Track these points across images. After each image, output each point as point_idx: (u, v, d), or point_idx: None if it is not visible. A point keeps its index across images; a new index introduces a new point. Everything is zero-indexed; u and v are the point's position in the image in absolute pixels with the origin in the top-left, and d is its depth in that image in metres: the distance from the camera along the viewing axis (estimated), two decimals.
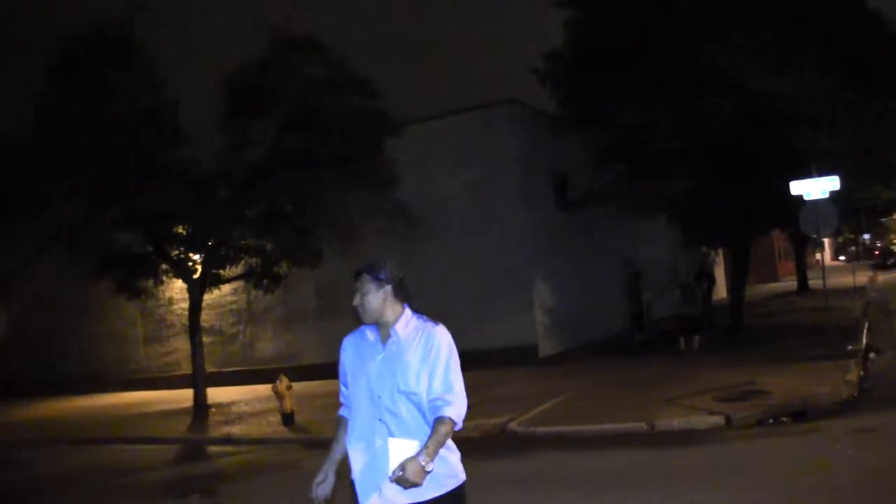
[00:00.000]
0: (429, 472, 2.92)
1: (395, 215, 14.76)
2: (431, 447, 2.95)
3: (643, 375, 13.83)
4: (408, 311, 3.20)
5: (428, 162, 17.43)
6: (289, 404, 12.78)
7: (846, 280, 38.71)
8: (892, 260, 50.01)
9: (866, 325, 17.67)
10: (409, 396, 3.05)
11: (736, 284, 19.11)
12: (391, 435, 3.04)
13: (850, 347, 14.05)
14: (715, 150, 15.53)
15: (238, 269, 16.32)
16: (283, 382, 12.71)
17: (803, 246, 34.72)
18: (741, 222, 16.96)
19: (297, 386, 13.51)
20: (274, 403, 13.66)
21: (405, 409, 3.05)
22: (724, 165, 15.68)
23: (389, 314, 3.15)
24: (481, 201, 17.58)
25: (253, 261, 15.98)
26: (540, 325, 17.62)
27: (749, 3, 14.88)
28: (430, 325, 3.18)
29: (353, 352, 3.27)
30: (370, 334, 3.20)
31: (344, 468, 3.26)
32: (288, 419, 12.76)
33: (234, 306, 21.17)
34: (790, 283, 36.06)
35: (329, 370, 20.15)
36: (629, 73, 15.43)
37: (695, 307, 17.20)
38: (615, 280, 21.18)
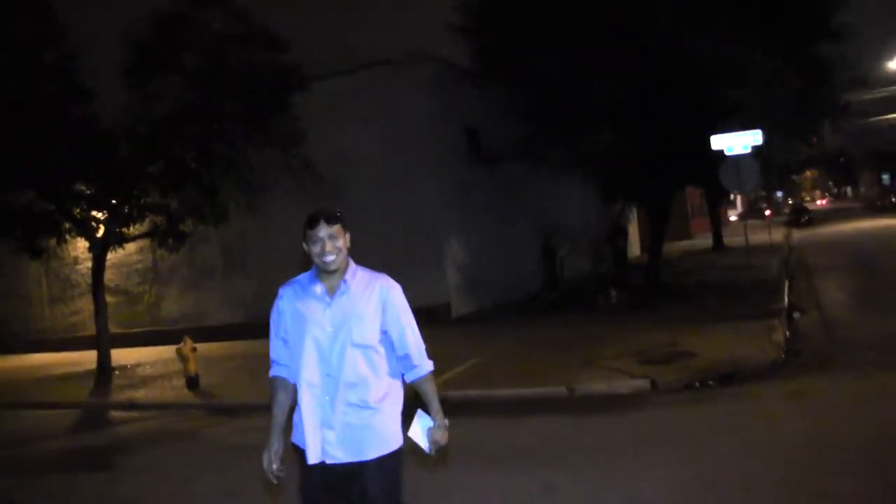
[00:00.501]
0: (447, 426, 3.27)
1: (303, 172, 14.47)
2: (437, 406, 3.26)
3: (561, 336, 13.47)
4: (352, 262, 3.19)
5: (339, 118, 17.11)
6: (193, 367, 12.49)
7: (762, 237, 40.03)
8: (806, 217, 51.48)
9: (787, 283, 17.70)
10: (364, 350, 3.06)
11: (653, 242, 18.86)
12: (343, 389, 3.04)
13: (773, 307, 14.00)
14: (636, 104, 15.23)
15: (142, 228, 15.68)
16: (187, 345, 12.45)
17: (718, 203, 35.18)
18: (661, 178, 16.80)
19: (203, 347, 13.35)
20: (178, 366, 13.38)
21: (360, 363, 3.05)
22: (644, 120, 15.39)
23: (343, 263, 3.12)
24: (393, 158, 17.28)
25: (158, 219, 15.40)
26: (453, 283, 17.41)
27: None
28: (379, 276, 3.21)
29: (294, 304, 3.15)
30: (317, 286, 3.12)
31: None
32: (192, 382, 12.49)
33: (139, 266, 20.83)
34: (704, 241, 36.54)
35: (236, 331, 18.94)
36: (547, 25, 14.99)
37: (608, 264, 17.12)
38: (531, 238, 21.13)
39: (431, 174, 17.30)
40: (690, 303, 16.15)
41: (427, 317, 15.53)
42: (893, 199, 63.09)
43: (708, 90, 14.83)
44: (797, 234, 40.19)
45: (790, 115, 16.60)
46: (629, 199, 20.37)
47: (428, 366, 3.27)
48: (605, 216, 22.59)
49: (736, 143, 14.84)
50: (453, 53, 18.01)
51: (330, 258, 3.06)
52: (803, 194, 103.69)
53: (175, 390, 12.80)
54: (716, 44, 14.03)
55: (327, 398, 3.05)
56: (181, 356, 12.54)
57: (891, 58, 44.60)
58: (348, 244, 3.15)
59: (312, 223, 3.07)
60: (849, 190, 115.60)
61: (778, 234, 39.00)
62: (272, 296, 3.33)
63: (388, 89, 17.33)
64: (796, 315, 13.71)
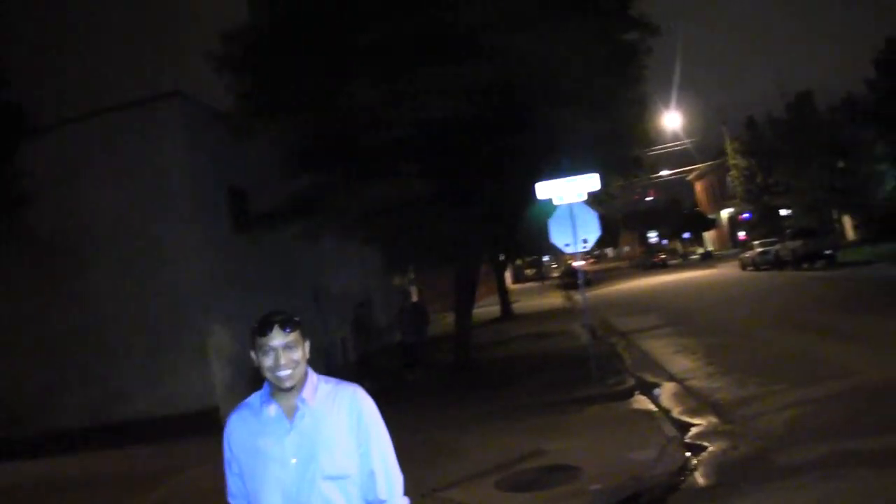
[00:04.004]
0: None
1: (34, 242, 13.62)
2: None
3: None
4: (311, 372, 2.95)
5: (74, 175, 15.13)
6: None
7: (544, 301, 40.04)
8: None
9: (620, 352, 16.78)
10: (339, 482, 2.82)
11: (460, 313, 17.16)
12: None
13: (631, 382, 12.49)
14: (436, 148, 13.77)
15: None
16: None
17: (502, 268, 34.65)
18: (469, 240, 15.30)
19: None
20: None
21: (335, 500, 2.81)
22: (446, 171, 13.92)
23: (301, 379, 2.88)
24: (141, 223, 15.33)
25: None
26: (221, 380, 15.07)
27: None
28: (346, 386, 2.99)
29: (245, 435, 2.89)
30: (271, 408, 2.86)
31: None
32: None
33: None
34: (488, 309, 35.58)
35: None
36: (325, 49, 12.99)
37: (413, 336, 16.38)
38: (310, 314, 19.03)
39: (189, 245, 15.23)
40: (519, 384, 14.13)
41: (188, 425, 14.10)
42: (663, 256, 67.51)
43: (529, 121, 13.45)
44: (579, 297, 40.44)
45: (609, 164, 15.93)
46: (428, 266, 18.74)
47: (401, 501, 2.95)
48: (384, 286, 21.00)
49: (567, 190, 13.15)
50: (215, 98, 16.02)
51: (285, 373, 2.80)
52: (566, 257, 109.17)
53: None
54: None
55: None
56: None
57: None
58: (307, 355, 2.89)
59: (264, 329, 2.82)
60: (609, 250, 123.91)
61: (557, 298, 39.36)
62: None
63: (133, 137, 15.36)
64: (656, 391, 11.93)
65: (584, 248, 13.46)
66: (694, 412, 10.03)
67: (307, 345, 2.91)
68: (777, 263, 34.62)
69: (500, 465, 8.18)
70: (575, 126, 13.43)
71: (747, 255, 39.47)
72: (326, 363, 19.96)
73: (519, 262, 76.58)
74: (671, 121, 46.44)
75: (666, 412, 10.29)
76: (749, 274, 36.96)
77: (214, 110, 16.23)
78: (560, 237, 13.42)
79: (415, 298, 24.45)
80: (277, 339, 2.80)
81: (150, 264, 15.15)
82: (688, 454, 7.95)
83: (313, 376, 2.93)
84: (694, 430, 9.05)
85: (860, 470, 6.39)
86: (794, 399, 9.38)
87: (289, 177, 14.65)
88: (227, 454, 2.98)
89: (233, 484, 3.00)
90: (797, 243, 32.55)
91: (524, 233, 16.79)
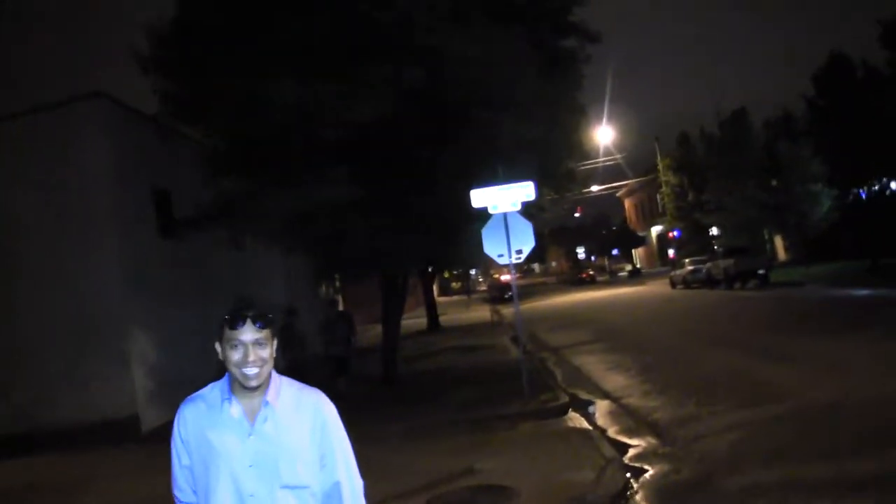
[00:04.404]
0: None
1: None
2: None
3: None
4: (275, 374, 2.84)
5: None
6: None
7: (472, 315, 39.76)
8: (509, 293, 52.82)
9: (553, 368, 16.55)
10: (296, 492, 2.71)
11: (388, 324, 16.71)
12: None
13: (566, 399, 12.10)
14: (365, 152, 13.33)
15: None
16: None
17: (430, 280, 34.30)
18: (399, 249, 14.75)
19: None
20: None
21: None
22: (375, 177, 13.48)
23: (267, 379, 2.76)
24: (62, 227, 14.95)
25: None
26: (142, 387, 14.87)
27: None
28: (310, 391, 2.90)
29: (201, 429, 2.75)
30: (232, 407, 2.72)
31: None
32: None
33: None
34: (415, 321, 35.15)
35: None
36: (251, 46, 12.41)
37: (340, 347, 15.51)
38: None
39: (111, 249, 14.96)
40: (448, 398, 13.70)
41: (107, 435, 13.98)
42: (591, 273, 68.04)
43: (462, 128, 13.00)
44: (507, 311, 40.40)
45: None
46: (356, 275, 18.23)
47: None
48: (308, 294, 20.54)
49: (502, 199, 12.81)
50: (139, 96, 15.67)
51: (253, 371, 2.67)
52: (493, 271, 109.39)
53: None
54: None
55: None
56: None
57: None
58: (275, 354, 2.75)
59: (235, 322, 2.69)
60: (536, 265, 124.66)
61: (484, 312, 39.18)
62: None
63: (52, 139, 14.95)
64: (591, 409, 11.64)
65: (518, 259, 13.13)
66: (631, 432, 9.74)
67: (275, 343, 2.80)
68: (708, 282, 34.95)
69: (430, 484, 7.74)
70: (510, 131, 13.11)
71: (678, 273, 39.81)
72: None
73: (446, 275, 76.37)
74: (603, 135, 46.81)
75: (602, 431, 9.99)
76: (679, 292, 37.30)
77: (138, 111, 15.94)
78: (493, 247, 13.07)
79: (341, 308, 23.87)
80: (248, 333, 2.69)
81: (72, 268, 14.79)
82: (628, 476, 7.60)
83: (277, 377, 2.83)
84: (632, 451, 8.74)
85: (814, 500, 6.09)
86: (735, 421, 9.12)
87: (213, 180, 14.03)
88: (176, 444, 2.85)
89: (180, 476, 2.86)
90: (729, 262, 32.83)
91: (456, 243, 16.38)
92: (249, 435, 2.70)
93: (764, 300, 25.96)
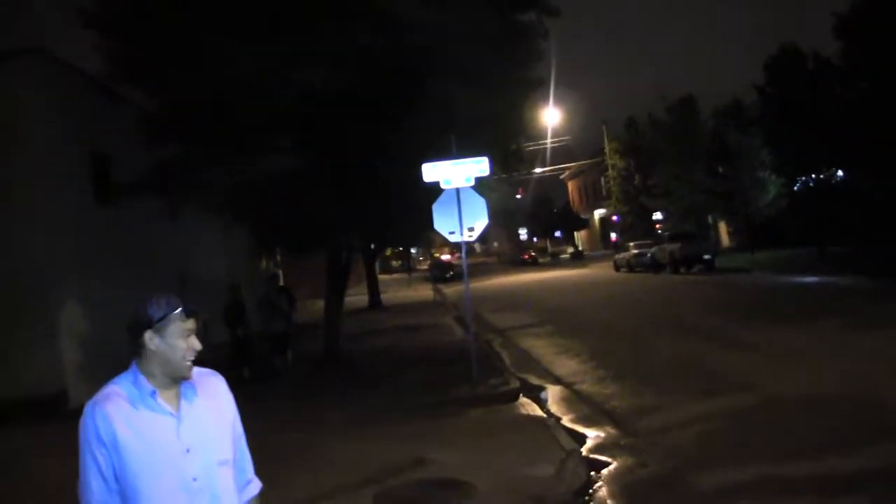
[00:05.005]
0: None
1: None
2: None
3: None
4: None
5: None
6: None
7: (414, 294, 39.30)
8: (451, 273, 52.75)
9: (498, 350, 16.17)
10: (226, 466, 2.82)
11: (331, 301, 16.12)
12: None
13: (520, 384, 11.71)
14: (316, 119, 12.75)
15: None
16: None
17: (372, 257, 33.75)
18: (346, 223, 14.48)
19: None
20: None
21: (229, 485, 2.82)
22: (324, 148, 13.05)
23: None
24: None
25: None
26: (71, 361, 14.14)
27: None
28: (209, 372, 2.95)
29: (125, 425, 2.66)
30: (159, 398, 2.73)
31: None
32: None
33: None
34: (357, 298, 34.56)
35: None
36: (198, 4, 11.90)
37: (281, 323, 15.22)
38: (186, 292, 17.66)
39: (42, 213, 14.13)
40: (393, 380, 13.19)
41: (32, 411, 13.33)
42: (533, 254, 68.05)
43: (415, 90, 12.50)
44: (449, 290, 40.14)
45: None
46: (297, 250, 17.70)
47: (258, 481, 3.05)
48: (250, 269, 20.11)
49: (455, 174, 12.26)
50: (82, 54, 14.41)
51: (191, 361, 2.77)
52: (435, 250, 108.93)
53: None
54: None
55: None
56: None
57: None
58: None
59: (188, 313, 2.78)
60: (478, 246, 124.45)
61: (426, 291, 38.80)
62: None
63: None
64: (543, 395, 11.25)
65: (471, 237, 12.61)
66: (588, 420, 9.33)
67: None
68: (653, 266, 34.95)
69: (377, 475, 7.19)
70: (466, 103, 12.62)
71: (622, 257, 39.78)
72: None
73: (387, 252, 75.75)
74: (550, 117, 46.59)
75: (557, 419, 9.55)
76: (624, 275, 37.27)
77: (81, 71, 15.09)
78: (444, 224, 12.53)
79: (282, 283, 23.21)
80: (191, 324, 2.79)
81: (1, 232, 14.00)
82: (591, 473, 7.15)
83: None
84: (591, 441, 8.33)
85: (799, 501, 5.71)
86: (699, 412, 8.75)
87: (155, 145, 13.42)
88: (93, 448, 2.70)
89: (97, 489, 2.71)
90: (675, 246, 32.81)
91: (405, 219, 15.88)
92: (181, 421, 2.72)
93: (710, 285, 25.93)
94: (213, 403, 2.85)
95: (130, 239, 16.79)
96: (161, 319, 2.73)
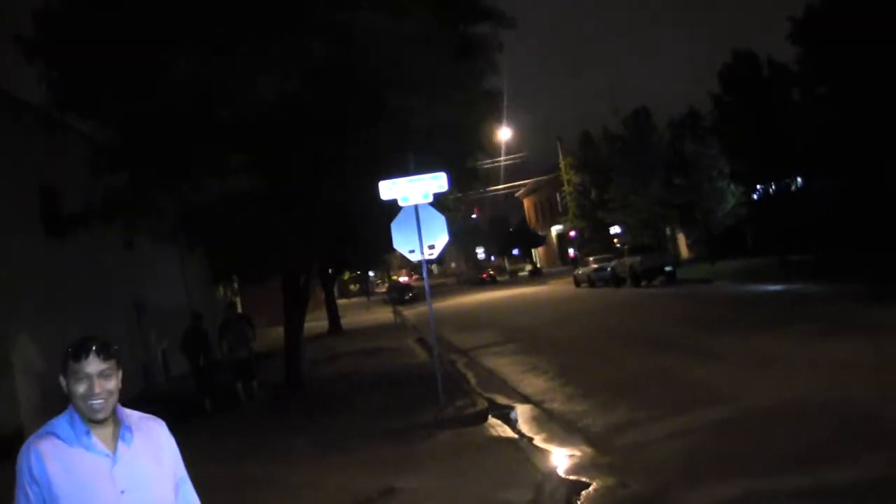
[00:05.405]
0: None
1: None
2: None
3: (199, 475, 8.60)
4: (118, 405, 2.87)
5: None
6: None
7: (372, 318, 38.84)
8: (410, 294, 52.46)
9: (464, 370, 15.95)
10: None
11: (290, 328, 15.87)
12: None
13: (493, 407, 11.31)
14: (268, 137, 12.52)
15: None
16: None
17: (331, 281, 33.34)
18: (302, 246, 14.17)
19: None
20: None
21: None
22: (278, 167, 12.85)
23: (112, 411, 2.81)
24: None
25: None
26: (26, 399, 13.87)
27: None
28: (149, 417, 2.97)
29: (60, 464, 2.69)
30: (94, 439, 2.73)
31: None
32: None
33: None
34: (316, 324, 34.10)
35: None
36: (144, 18, 11.45)
37: (245, 350, 15.01)
38: (129, 326, 18.86)
39: None
40: (357, 406, 12.90)
41: None
42: (491, 273, 67.92)
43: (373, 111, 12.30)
44: (409, 312, 39.75)
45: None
46: (255, 276, 17.50)
47: None
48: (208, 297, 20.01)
49: (413, 191, 11.95)
50: (24, 85, 14.12)
51: (98, 402, 2.70)
52: (392, 273, 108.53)
53: None
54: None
55: None
56: None
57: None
58: (119, 384, 2.77)
59: (79, 354, 2.72)
60: (435, 267, 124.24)
61: (385, 313, 38.38)
62: None
63: None
64: (512, 415, 10.95)
65: (431, 254, 12.28)
66: (562, 440, 9.05)
67: (120, 374, 2.81)
68: (613, 280, 34.87)
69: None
70: (422, 117, 12.41)
71: (581, 272, 39.64)
72: (146, 379, 18.93)
73: (345, 276, 75.09)
74: (503, 134, 46.47)
75: (529, 440, 9.24)
76: (585, 290, 37.14)
77: (22, 101, 14.79)
78: (404, 242, 12.20)
79: (239, 310, 22.81)
80: (93, 365, 2.71)
81: None
82: (567, 495, 6.83)
83: (120, 407, 2.84)
84: (568, 462, 7.99)
85: None
86: (677, 427, 8.47)
87: (102, 174, 13.02)
88: (25, 487, 2.73)
89: None
90: (635, 259, 32.71)
91: (363, 239, 15.59)
92: (116, 462, 2.72)
93: (673, 297, 25.85)
94: (152, 447, 2.84)
95: (85, 271, 16.55)
96: (64, 362, 2.74)
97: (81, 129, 14.74)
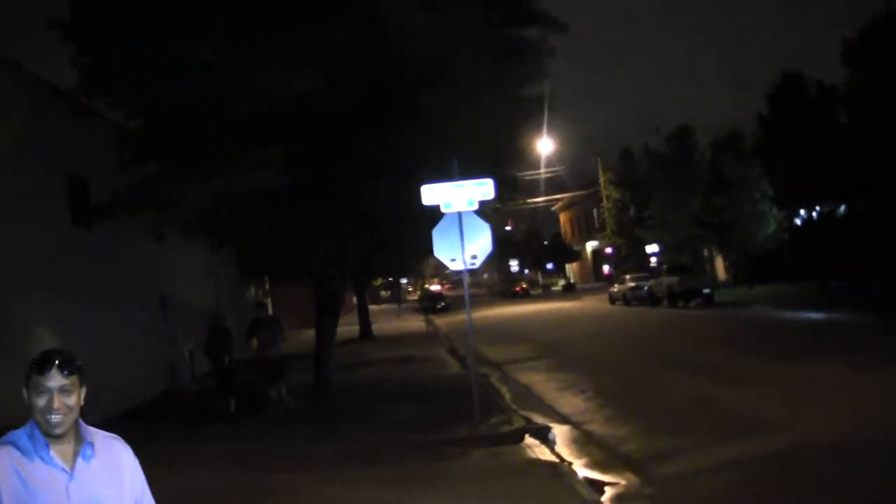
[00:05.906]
0: None
1: None
2: None
3: (204, 489, 8.32)
4: (80, 420, 2.86)
5: None
6: None
7: (403, 325, 38.65)
8: (443, 304, 52.17)
9: (499, 386, 15.47)
10: None
11: (323, 335, 15.63)
12: None
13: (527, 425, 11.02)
14: (304, 131, 12.43)
15: None
16: None
17: (363, 286, 33.23)
18: (331, 250, 14.03)
19: None
20: None
21: None
22: (314, 162, 12.65)
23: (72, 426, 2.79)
24: None
25: None
26: None
27: None
28: (112, 436, 2.95)
29: (16, 476, 2.67)
30: (52, 454, 2.71)
31: None
32: None
33: None
34: (347, 329, 33.98)
35: None
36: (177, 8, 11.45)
37: (275, 350, 14.41)
38: (152, 324, 18.50)
39: (13, 235, 13.40)
40: (385, 416, 12.59)
41: None
42: (524, 286, 67.43)
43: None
44: (441, 321, 39.50)
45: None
46: (286, 277, 17.33)
47: None
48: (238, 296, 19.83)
49: (456, 197, 11.58)
50: (56, 74, 14.33)
51: (57, 418, 2.68)
52: (424, 281, 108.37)
53: None
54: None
55: None
56: None
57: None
58: (82, 401, 2.76)
59: (42, 368, 2.71)
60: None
61: (417, 321, 38.16)
62: None
63: None
64: (551, 436, 10.59)
65: (473, 264, 11.95)
66: (603, 466, 8.64)
67: (84, 391, 2.80)
68: (650, 299, 34.37)
69: None
70: (459, 117, 12.10)
71: (617, 290, 39.18)
72: (173, 378, 18.65)
73: (376, 282, 75.02)
74: (543, 146, 46.11)
75: (569, 464, 8.84)
76: (619, 308, 36.66)
77: (55, 86, 14.58)
78: (445, 250, 11.85)
79: (270, 311, 22.66)
80: (54, 380, 2.70)
81: None
82: None
83: (82, 424, 2.83)
84: (610, 491, 7.62)
85: None
86: (725, 458, 8.05)
87: (130, 163, 12.85)
88: None
89: None
90: (673, 279, 32.22)
91: (401, 245, 15.33)
92: (71, 479, 2.71)
93: (712, 320, 25.29)
94: (112, 467, 2.82)
95: (111, 262, 16.28)
96: (27, 374, 2.71)
97: (111, 117, 14.61)
